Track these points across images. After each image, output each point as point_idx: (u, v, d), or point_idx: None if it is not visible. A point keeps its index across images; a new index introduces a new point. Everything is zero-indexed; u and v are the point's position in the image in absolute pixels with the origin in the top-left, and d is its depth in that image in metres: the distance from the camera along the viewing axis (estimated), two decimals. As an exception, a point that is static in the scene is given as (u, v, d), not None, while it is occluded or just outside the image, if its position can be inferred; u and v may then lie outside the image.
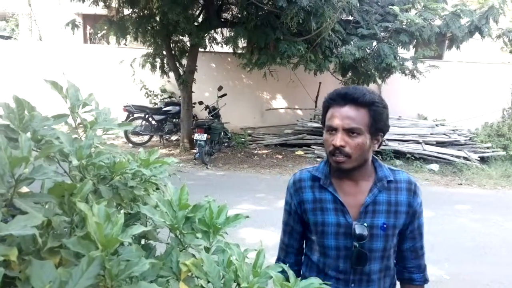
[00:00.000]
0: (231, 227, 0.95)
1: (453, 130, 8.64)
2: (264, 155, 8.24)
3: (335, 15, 6.24)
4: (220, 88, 8.25)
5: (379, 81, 7.95)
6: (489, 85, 9.32)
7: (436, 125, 8.68)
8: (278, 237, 1.43)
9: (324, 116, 1.22)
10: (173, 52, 8.22)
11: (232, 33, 7.24)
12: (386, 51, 6.74)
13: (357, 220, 1.21)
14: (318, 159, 7.77)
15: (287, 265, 0.94)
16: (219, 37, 8.67)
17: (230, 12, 8.24)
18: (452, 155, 7.90)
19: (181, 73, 8.13)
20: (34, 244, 0.69)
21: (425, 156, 7.94)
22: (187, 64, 8.13)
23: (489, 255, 4.02)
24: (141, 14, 7.48)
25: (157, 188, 1.04)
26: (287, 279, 0.85)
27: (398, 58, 7.11)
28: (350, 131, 1.14)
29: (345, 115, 1.14)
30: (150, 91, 9.62)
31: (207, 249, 0.90)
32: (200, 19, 7.79)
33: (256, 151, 8.53)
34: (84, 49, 10.29)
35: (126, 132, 8.22)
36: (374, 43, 7.16)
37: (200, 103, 8.45)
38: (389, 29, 7.08)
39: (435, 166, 7.64)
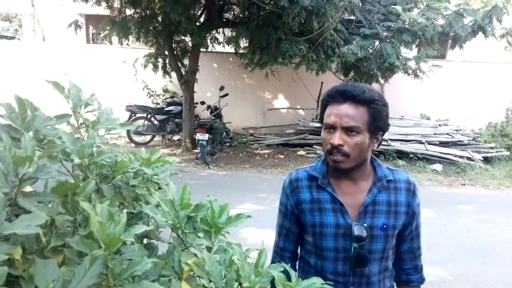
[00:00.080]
0: (233, 227, 0.95)
1: (457, 130, 8.60)
2: (266, 155, 8.24)
3: (337, 15, 6.23)
4: (222, 88, 8.26)
5: (382, 81, 7.93)
6: (492, 85, 9.28)
7: (439, 125, 8.65)
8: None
9: (323, 113, 1.18)
10: (175, 52, 8.24)
11: (234, 33, 7.24)
12: (388, 51, 6.72)
13: (356, 221, 1.17)
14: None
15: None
16: (221, 37, 8.67)
17: (232, 12, 8.24)
18: (456, 155, 7.87)
19: (183, 73, 8.14)
20: (38, 243, 0.69)
21: (428, 156, 7.91)
22: (189, 64, 8.14)
23: (493, 255, 4.01)
24: (143, 14, 7.49)
25: (159, 188, 1.04)
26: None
27: (400, 57, 7.09)
28: (348, 130, 1.10)
29: (343, 113, 1.10)
30: (152, 91, 9.64)
31: (209, 249, 0.90)
32: (202, 19, 7.80)
33: (258, 151, 8.53)
34: (86, 49, 10.33)
35: (128, 132, 8.24)
36: (377, 42, 7.14)
37: (202, 103, 8.47)
38: (391, 28, 7.06)
39: (438, 166, 7.61)
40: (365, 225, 1.16)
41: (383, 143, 7.87)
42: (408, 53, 7.76)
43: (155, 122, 8.57)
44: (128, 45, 9.40)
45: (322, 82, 8.85)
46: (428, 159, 7.90)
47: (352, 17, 7.44)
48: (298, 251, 1.34)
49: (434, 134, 8.29)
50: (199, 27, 7.23)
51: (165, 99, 9.62)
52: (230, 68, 9.79)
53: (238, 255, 0.86)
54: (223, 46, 8.60)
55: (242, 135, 9.11)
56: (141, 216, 0.94)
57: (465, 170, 7.47)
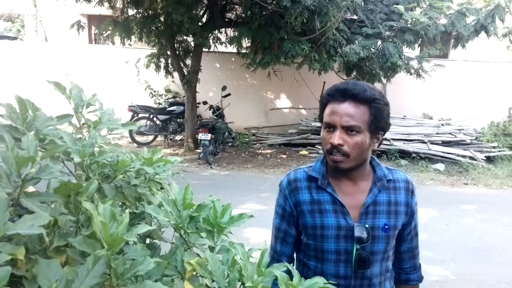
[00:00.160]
0: (235, 227, 0.95)
1: (459, 130, 8.58)
2: (268, 155, 8.24)
3: (340, 14, 6.22)
4: (224, 88, 8.27)
5: (384, 81, 7.92)
6: (495, 84, 9.25)
7: (442, 125, 8.62)
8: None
9: (322, 112, 1.15)
10: (177, 52, 8.24)
11: (236, 33, 7.24)
12: (391, 50, 6.71)
13: (357, 222, 1.15)
14: (322, 159, 7.73)
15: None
16: (223, 37, 8.68)
17: (234, 12, 8.24)
18: (458, 155, 7.84)
19: (185, 73, 8.15)
20: (41, 243, 0.69)
21: (431, 155, 7.89)
22: (191, 64, 8.15)
23: (495, 255, 3.99)
24: (146, 14, 7.51)
25: (162, 188, 1.04)
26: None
27: (403, 57, 7.08)
28: (349, 129, 1.08)
29: (344, 112, 1.07)
30: (155, 91, 9.66)
31: (211, 249, 0.90)
32: (204, 19, 7.81)
33: (260, 151, 8.53)
34: (89, 49, 10.35)
35: (130, 132, 8.26)
36: (379, 42, 7.13)
37: (204, 103, 8.48)
38: (394, 28, 7.04)
39: (440, 166, 7.59)
40: (366, 226, 1.14)
41: (386, 142, 7.86)
42: (411, 52, 7.75)
43: (158, 122, 8.59)
44: (131, 45, 9.43)
45: (324, 82, 8.83)
46: (430, 158, 7.88)
47: (355, 17, 7.43)
48: (295, 255, 1.31)
49: (437, 133, 8.26)
50: (201, 27, 7.23)
51: (167, 99, 9.63)
52: (232, 68, 9.79)
53: (240, 255, 0.86)
54: (225, 46, 8.60)
55: (244, 135, 9.11)
56: (143, 216, 0.94)
57: (468, 169, 7.45)
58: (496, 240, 4.35)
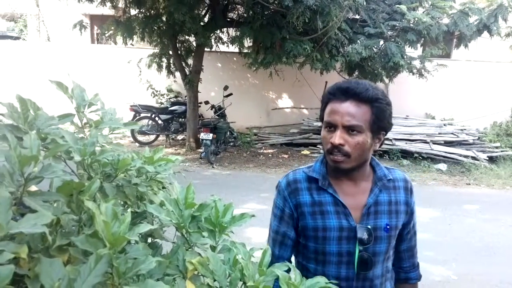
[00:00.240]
0: (237, 226, 0.95)
1: (461, 130, 8.55)
2: (269, 155, 8.24)
3: (342, 14, 6.21)
4: (226, 88, 8.27)
5: (386, 80, 7.90)
6: (497, 84, 9.21)
7: (444, 125, 8.60)
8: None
9: (323, 111, 1.13)
10: (179, 52, 8.25)
11: (238, 33, 7.24)
12: (393, 50, 6.70)
13: (359, 223, 1.13)
14: (324, 159, 7.73)
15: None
16: (225, 37, 8.68)
17: (236, 12, 8.24)
18: (460, 155, 7.82)
19: (187, 73, 8.16)
20: (43, 242, 0.69)
21: (433, 155, 7.87)
22: (193, 64, 8.16)
23: (498, 255, 3.98)
24: (148, 14, 7.52)
25: (164, 187, 1.04)
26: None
27: (405, 57, 7.06)
28: (350, 129, 1.05)
29: (345, 111, 1.05)
30: (157, 91, 9.67)
31: (213, 248, 0.90)
32: (206, 19, 7.81)
33: (261, 151, 8.53)
34: (91, 49, 10.38)
35: (132, 132, 8.29)
36: (381, 42, 7.12)
37: (206, 102, 8.48)
38: (396, 27, 7.03)
39: (443, 166, 7.57)
40: (369, 226, 1.13)
41: (388, 142, 7.84)
42: (413, 52, 7.73)
43: (159, 121, 8.60)
44: (133, 45, 9.45)
45: (326, 82, 8.82)
46: (433, 158, 7.86)
47: (357, 16, 7.42)
48: (293, 258, 1.29)
49: (439, 133, 8.24)
50: (203, 27, 7.24)
51: (169, 98, 9.65)
52: (234, 67, 9.79)
53: (242, 255, 0.86)
54: (227, 45, 8.60)
55: (246, 135, 9.12)
56: (145, 215, 0.95)
57: (470, 169, 7.43)
58: (498, 240, 4.34)
